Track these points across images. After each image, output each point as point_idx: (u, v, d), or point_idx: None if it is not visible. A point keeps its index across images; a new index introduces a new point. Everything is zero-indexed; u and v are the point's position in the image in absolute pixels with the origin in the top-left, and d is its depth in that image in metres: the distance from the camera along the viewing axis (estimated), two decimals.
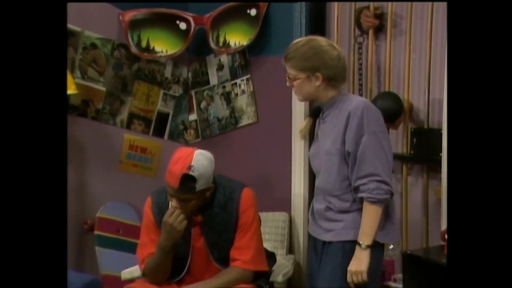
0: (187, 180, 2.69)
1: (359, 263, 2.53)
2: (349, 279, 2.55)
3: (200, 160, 2.72)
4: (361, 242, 2.53)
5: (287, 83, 2.68)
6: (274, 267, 3.20)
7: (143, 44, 3.96)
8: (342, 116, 2.57)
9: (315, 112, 2.77)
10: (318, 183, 2.71)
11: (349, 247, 2.57)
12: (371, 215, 2.53)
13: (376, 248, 2.57)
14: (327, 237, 2.64)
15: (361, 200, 2.55)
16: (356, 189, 2.56)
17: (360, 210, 2.56)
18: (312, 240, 2.78)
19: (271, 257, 3.12)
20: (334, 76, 2.61)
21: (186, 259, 2.88)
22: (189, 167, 2.69)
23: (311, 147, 2.81)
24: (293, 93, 3.76)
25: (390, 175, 2.58)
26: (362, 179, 2.53)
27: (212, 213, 2.85)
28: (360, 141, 2.52)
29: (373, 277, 2.59)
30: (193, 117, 4.28)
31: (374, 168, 2.51)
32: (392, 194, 2.57)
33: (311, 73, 2.60)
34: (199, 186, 2.71)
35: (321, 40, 2.66)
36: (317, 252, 2.71)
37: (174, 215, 2.72)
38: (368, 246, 2.52)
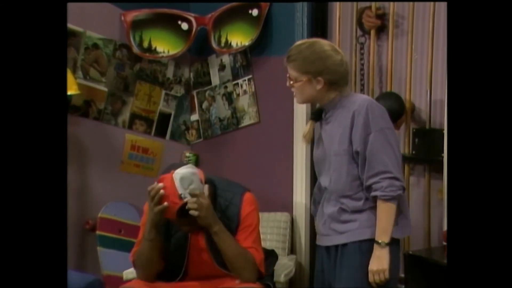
0: (183, 211, 2.68)
1: (380, 262, 2.50)
2: (371, 279, 2.52)
3: (186, 183, 2.66)
4: (380, 241, 2.50)
5: (287, 84, 2.67)
6: (276, 267, 3.19)
7: (145, 44, 3.97)
8: (346, 116, 2.56)
9: (316, 115, 2.75)
10: (328, 185, 2.65)
11: (366, 246, 2.55)
12: (386, 212, 2.50)
13: (392, 244, 2.54)
14: (342, 239, 2.61)
15: (374, 198, 2.53)
16: (369, 188, 2.53)
17: (373, 208, 2.54)
18: (322, 250, 2.72)
19: (272, 254, 3.11)
20: (336, 81, 2.60)
21: (184, 260, 2.86)
22: (180, 196, 2.63)
23: (314, 150, 2.78)
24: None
25: (400, 170, 2.56)
26: (374, 178, 2.51)
27: None
28: (367, 139, 2.51)
29: (393, 274, 2.56)
30: (194, 117, 4.29)
31: (384, 166, 2.49)
32: (404, 189, 2.55)
33: (312, 77, 2.58)
34: None
35: (324, 43, 2.65)
36: (330, 258, 2.67)
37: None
38: (387, 244, 2.50)
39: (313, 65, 2.57)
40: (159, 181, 2.67)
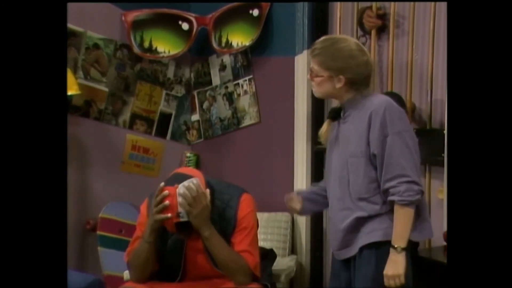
0: (182, 224, 2.68)
1: (396, 267, 2.45)
2: (386, 283, 2.47)
3: (184, 199, 2.68)
4: (396, 246, 2.46)
5: (308, 76, 2.63)
6: (277, 268, 3.19)
7: (146, 44, 3.97)
8: (363, 117, 2.51)
9: (334, 114, 2.70)
10: (348, 186, 2.57)
11: (380, 248, 2.51)
12: (403, 217, 2.46)
13: (410, 247, 2.52)
14: (359, 244, 2.56)
15: (391, 202, 2.48)
16: (386, 192, 2.49)
17: (389, 212, 2.50)
18: (339, 263, 2.68)
19: (270, 253, 3.10)
20: (358, 81, 2.56)
21: (181, 262, 2.86)
22: (178, 214, 2.65)
23: (329, 151, 2.71)
24: (295, 93, 3.81)
25: (419, 173, 2.52)
26: (391, 182, 2.46)
27: (211, 220, 2.82)
28: (385, 142, 2.46)
29: (409, 278, 2.53)
30: (195, 117, 4.29)
31: (402, 169, 2.45)
32: (422, 193, 2.50)
33: (334, 74, 2.54)
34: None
35: (352, 42, 2.61)
36: (348, 266, 2.63)
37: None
38: (403, 249, 2.46)
39: (337, 62, 2.54)
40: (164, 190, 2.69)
